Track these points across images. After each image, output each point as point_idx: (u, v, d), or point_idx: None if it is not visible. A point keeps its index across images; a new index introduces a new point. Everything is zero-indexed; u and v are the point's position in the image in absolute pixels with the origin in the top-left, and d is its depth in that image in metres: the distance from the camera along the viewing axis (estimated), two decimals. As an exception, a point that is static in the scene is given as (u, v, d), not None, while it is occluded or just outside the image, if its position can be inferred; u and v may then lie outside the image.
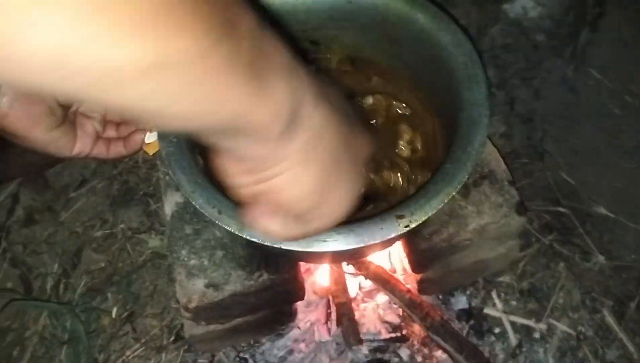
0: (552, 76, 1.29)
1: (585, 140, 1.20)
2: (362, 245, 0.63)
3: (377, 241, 0.63)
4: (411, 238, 0.85)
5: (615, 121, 1.22)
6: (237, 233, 0.64)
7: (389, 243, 0.79)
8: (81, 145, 0.66)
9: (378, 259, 0.99)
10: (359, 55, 0.91)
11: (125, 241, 1.14)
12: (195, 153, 0.74)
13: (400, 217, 0.64)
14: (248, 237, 0.63)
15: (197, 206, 0.66)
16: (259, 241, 0.63)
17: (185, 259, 0.83)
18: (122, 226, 1.16)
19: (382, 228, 0.63)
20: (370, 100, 0.87)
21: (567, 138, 1.20)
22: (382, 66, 0.89)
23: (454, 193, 0.65)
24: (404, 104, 0.86)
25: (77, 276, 1.11)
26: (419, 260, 0.87)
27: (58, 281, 1.11)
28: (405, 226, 0.63)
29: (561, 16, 1.38)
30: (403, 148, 0.83)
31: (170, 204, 0.89)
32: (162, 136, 0.71)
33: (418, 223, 0.63)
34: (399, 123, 0.85)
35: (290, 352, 1.00)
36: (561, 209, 1.10)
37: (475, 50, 0.76)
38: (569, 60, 1.31)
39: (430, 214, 0.64)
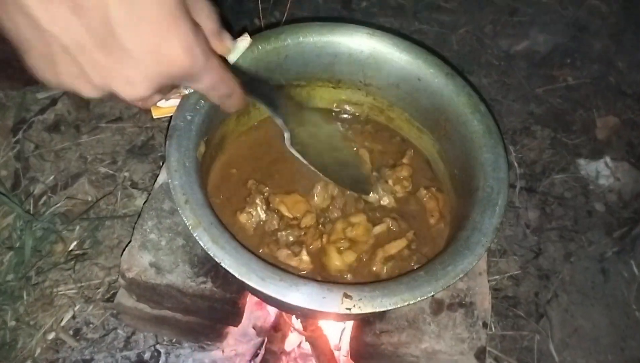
0: (591, 249, 1.22)
1: (593, 326, 1.12)
2: (296, 303, 0.59)
3: (311, 308, 0.59)
4: (362, 325, 0.80)
5: (631, 323, 1.13)
6: (189, 228, 0.62)
7: (331, 316, 0.75)
8: None
9: (329, 329, 0.95)
10: (401, 132, 0.89)
11: (120, 188, 1.15)
12: (203, 139, 0.73)
13: (348, 297, 0.60)
14: (197, 238, 0.61)
15: (171, 187, 0.64)
16: (204, 247, 0.61)
17: (148, 230, 0.82)
18: (125, 173, 1.17)
19: (324, 297, 0.60)
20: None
21: (574, 314, 1.12)
22: (419, 150, 0.88)
23: (411, 302, 0.61)
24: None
25: (61, 195, 1.11)
26: (359, 350, 0.82)
27: (44, 192, 1.12)
28: (347, 308, 0.59)
29: (629, 197, 1.31)
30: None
31: (165, 175, 0.88)
32: (179, 109, 0.71)
33: (360, 311, 0.59)
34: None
35: (203, 370, 0.95)
36: (530, 380, 1.02)
37: (508, 180, 0.72)
38: (615, 242, 1.23)
39: (376, 310, 0.60)
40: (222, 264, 0.60)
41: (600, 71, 1.52)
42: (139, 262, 0.79)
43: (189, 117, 0.70)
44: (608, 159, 1.34)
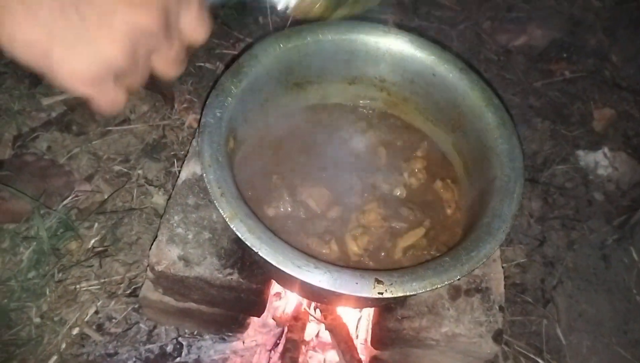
0: (592, 236, 1.27)
1: (596, 311, 1.16)
2: (331, 288, 0.62)
3: (346, 293, 0.62)
4: (383, 312, 0.83)
5: (632, 307, 1.18)
6: (227, 220, 0.64)
7: (360, 302, 0.78)
8: None
9: (347, 318, 0.98)
10: (415, 125, 0.92)
11: (135, 185, 1.17)
12: (231, 135, 0.76)
13: (379, 282, 0.63)
14: (234, 229, 0.64)
15: (206, 181, 0.67)
16: (242, 237, 0.64)
17: (174, 224, 0.84)
18: (139, 171, 1.19)
19: (357, 283, 0.63)
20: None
21: (579, 300, 1.17)
22: (434, 142, 0.91)
23: (439, 286, 0.64)
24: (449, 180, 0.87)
25: (76, 193, 1.13)
26: (381, 336, 0.85)
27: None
28: (379, 293, 0.62)
29: (627, 187, 1.36)
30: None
31: (188, 171, 0.90)
32: (208, 107, 0.74)
33: (392, 295, 0.62)
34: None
35: (225, 360, 0.98)
36: (540, 361, 1.06)
37: (523, 169, 0.76)
38: (615, 230, 1.28)
39: (407, 293, 0.63)
40: (260, 253, 0.62)
41: (596, 65, 1.57)
42: (167, 256, 0.82)
43: (218, 114, 0.73)
44: (606, 150, 1.39)
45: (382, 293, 0.62)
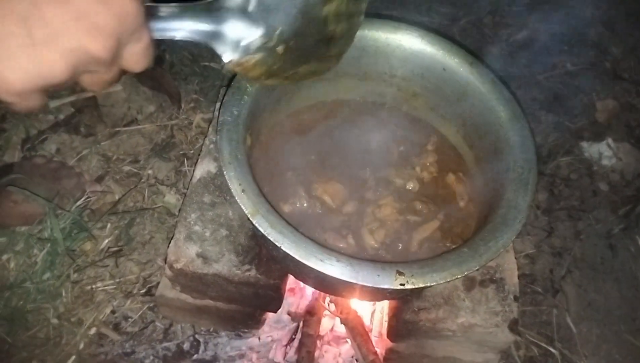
0: (599, 226, 1.28)
1: (605, 299, 1.17)
2: (353, 281, 0.63)
3: (368, 284, 0.63)
4: (400, 303, 0.84)
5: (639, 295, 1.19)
6: (248, 216, 0.65)
7: (379, 294, 0.79)
8: None
9: (362, 311, 0.99)
10: (426, 120, 0.93)
11: (146, 185, 1.18)
12: (248, 132, 0.77)
13: (401, 274, 0.64)
14: (257, 224, 0.65)
15: (227, 178, 0.68)
16: (264, 232, 0.65)
17: (192, 222, 0.85)
18: (149, 171, 1.20)
19: (379, 275, 0.64)
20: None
21: (587, 289, 1.18)
22: (444, 136, 0.92)
23: (458, 276, 0.65)
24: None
25: (88, 194, 1.13)
26: (398, 328, 0.87)
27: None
28: (400, 284, 0.63)
29: (632, 177, 1.37)
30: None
31: (202, 169, 0.91)
32: (225, 105, 0.75)
33: (413, 287, 0.63)
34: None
35: (241, 356, 0.99)
36: (552, 350, 1.07)
37: (536, 160, 0.77)
38: (621, 219, 1.29)
39: (428, 284, 0.64)
40: (283, 247, 0.63)
41: (597, 57, 1.58)
42: (185, 253, 0.83)
43: (235, 112, 0.74)
44: (610, 140, 1.40)
45: (403, 284, 0.63)
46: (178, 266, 0.82)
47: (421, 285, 0.64)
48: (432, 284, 0.65)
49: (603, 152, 1.40)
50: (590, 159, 1.39)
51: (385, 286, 0.63)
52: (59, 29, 0.40)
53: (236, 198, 0.66)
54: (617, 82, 1.53)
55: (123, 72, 0.48)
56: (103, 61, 0.44)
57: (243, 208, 0.66)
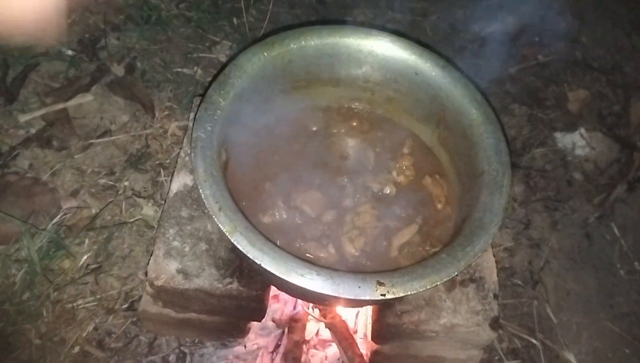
0: (575, 216, 1.30)
1: (583, 288, 1.20)
2: (334, 294, 0.63)
3: (349, 297, 0.64)
4: (383, 308, 0.85)
5: (617, 281, 1.22)
6: (227, 234, 0.65)
7: (361, 303, 0.79)
8: None
9: (346, 314, 0.99)
10: (401, 124, 0.94)
11: (123, 198, 1.16)
12: (223, 147, 0.76)
13: (381, 284, 0.65)
14: (235, 243, 0.65)
15: (203, 196, 0.68)
16: (243, 251, 0.65)
17: (170, 238, 0.85)
18: (126, 183, 1.18)
19: (359, 287, 0.64)
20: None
21: (566, 278, 1.21)
22: (420, 139, 0.93)
23: (438, 283, 0.66)
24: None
25: (66, 210, 1.12)
26: (382, 331, 0.87)
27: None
28: (382, 295, 0.64)
29: (605, 165, 1.40)
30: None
31: (178, 182, 0.91)
32: (198, 121, 0.74)
33: (394, 296, 0.64)
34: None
35: (228, 366, 0.99)
36: (534, 340, 1.09)
37: (510, 162, 0.78)
38: (596, 208, 1.32)
39: (409, 293, 0.65)
40: (262, 264, 0.64)
41: (567, 48, 1.60)
42: (165, 270, 0.82)
43: (209, 128, 0.73)
44: (582, 130, 1.43)
45: (384, 295, 0.64)
46: (159, 283, 0.82)
47: (401, 294, 0.65)
48: (412, 292, 0.65)
49: (576, 142, 1.42)
50: (564, 150, 1.41)
51: (367, 298, 0.64)
52: None
53: (213, 217, 0.66)
54: (587, 72, 1.56)
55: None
56: None
57: (220, 226, 0.65)
